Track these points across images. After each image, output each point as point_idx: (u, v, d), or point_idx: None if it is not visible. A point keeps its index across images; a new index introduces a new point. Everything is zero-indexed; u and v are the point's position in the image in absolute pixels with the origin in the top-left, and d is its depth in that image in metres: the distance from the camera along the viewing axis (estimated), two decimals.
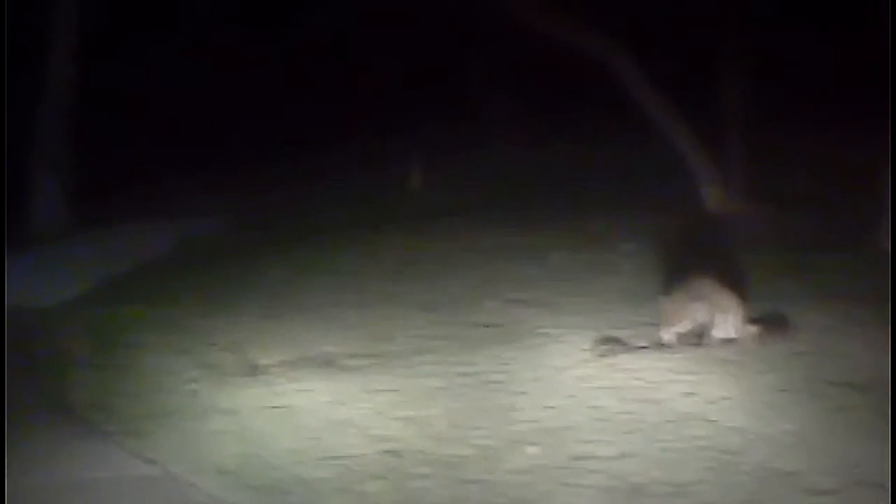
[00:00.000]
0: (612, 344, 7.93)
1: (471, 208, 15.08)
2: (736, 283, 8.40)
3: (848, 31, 17.97)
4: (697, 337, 7.83)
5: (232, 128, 23.33)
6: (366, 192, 17.73)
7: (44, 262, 13.17)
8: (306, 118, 23.62)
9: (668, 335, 7.81)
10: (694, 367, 7.42)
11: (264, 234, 14.24)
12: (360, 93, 25.32)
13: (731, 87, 14.19)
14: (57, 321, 9.91)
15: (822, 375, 7.15)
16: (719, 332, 7.88)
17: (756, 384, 7.05)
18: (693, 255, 10.56)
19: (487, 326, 8.89)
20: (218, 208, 16.69)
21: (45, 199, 15.43)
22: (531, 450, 6.18)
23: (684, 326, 7.82)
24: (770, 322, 8.15)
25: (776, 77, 18.13)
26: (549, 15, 14.63)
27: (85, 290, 11.29)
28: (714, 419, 6.49)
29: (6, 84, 14.16)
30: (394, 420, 6.75)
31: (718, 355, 7.64)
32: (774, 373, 7.26)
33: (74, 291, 11.21)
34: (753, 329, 7.95)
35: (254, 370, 7.98)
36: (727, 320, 7.89)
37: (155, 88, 22.88)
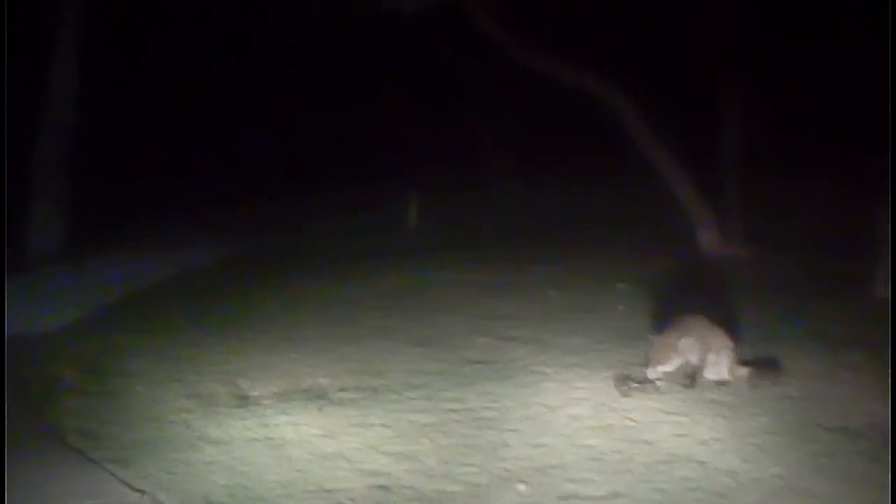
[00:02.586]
0: (628, 383, 7.89)
1: (466, 246, 15.14)
2: (728, 325, 8.40)
3: (850, 77, 18.08)
4: (689, 378, 7.83)
5: (232, 164, 23.47)
6: (362, 229, 17.79)
7: (38, 289, 13.15)
8: (308, 158, 23.80)
9: (654, 374, 7.79)
10: (685, 408, 7.42)
11: (259, 268, 14.27)
12: (362, 134, 25.52)
13: (727, 131, 14.27)
14: (50, 348, 9.89)
15: (814, 420, 7.15)
16: (711, 374, 7.87)
17: (747, 427, 7.05)
18: (686, 297, 10.59)
19: (480, 363, 8.88)
20: (215, 242, 16.72)
21: (43, 225, 15.42)
22: (521, 487, 6.17)
23: (672, 365, 7.81)
24: (762, 365, 8.15)
25: (774, 121, 18.25)
26: (547, 57, 14.76)
27: (79, 318, 11.29)
28: (705, 461, 6.48)
29: (6, 106, 14.18)
30: (384, 455, 6.74)
31: (710, 397, 7.64)
32: (766, 416, 7.26)
33: (68, 318, 11.21)
34: (745, 371, 7.96)
35: (245, 401, 7.97)
36: (719, 362, 7.88)
37: (157, 121, 23.03)
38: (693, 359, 7.80)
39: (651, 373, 7.79)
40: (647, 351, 7.90)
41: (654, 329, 8.40)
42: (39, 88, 15.75)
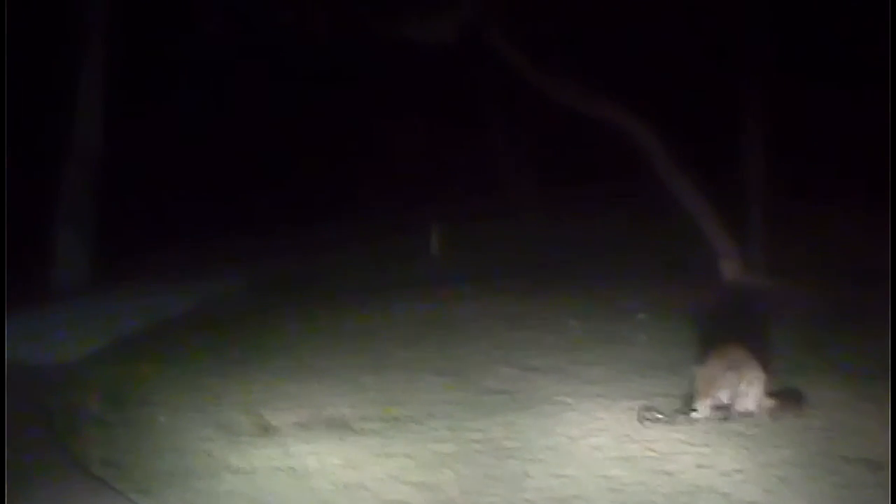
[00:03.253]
0: (652, 411, 7.89)
1: (488, 275, 15.13)
2: (755, 355, 8.37)
3: (872, 106, 18.01)
4: (726, 409, 7.80)
5: (256, 192, 23.52)
6: (384, 257, 17.81)
7: (63, 318, 13.21)
8: (330, 185, 23.87)
9: (704, 408, 7.75)
10: (708, 439, 7.40)
11: (283, 297, 14.29)
12: (384, 162, 25.56)
13: (750, 161, 14.27)
14: (74, 377, 9.93)
15: (836, 451, 7.12)
16: (740, 405, 7.85)
17: (770, 458, 7.03)
18: (709, 328, 10.56)
19: (501, 393, 8.88)
20: (238, 270, 16.78)
21: (68, 255, 15.51)
22: None
23: (720, 398, 7.79)
24: (785, 396, 8.13)
25: (796, 152, 18.21)
26: (571, 86, 14.81)
27: (102, 347, 11.32)
28: (727, 492, 6.47)
29: (6, 122, 14.28)
30: (406, 485, 6.74)
31: (732, 428, 7.62)
32: (788, 447, 7.24)
33: (92, 348, 11.25)
34: (770, 402, 7.93)
35: (267, 431, 7.98)
36: (750, 393, 7.86)
37: (181, 150, 23.11)
38: (731, 392, 7.78)
39: (701, 407, 7.75)
40: (694, 384, 7.87)
41: (697, 360, 8.32)
42: (64, 116, 15.85)
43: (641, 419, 7.80)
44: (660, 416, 7.84)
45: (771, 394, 8.01)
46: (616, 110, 14.56)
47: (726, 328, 10.50)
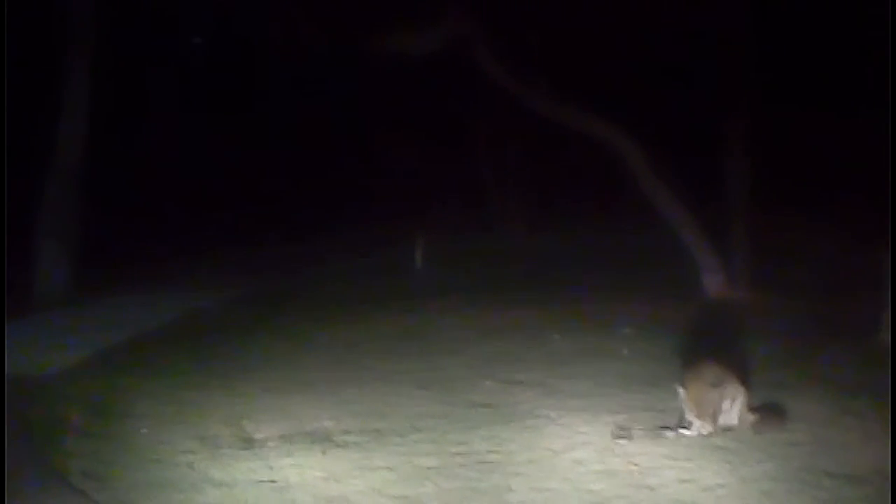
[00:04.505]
0: (627, 429, 7.89)
1: (471, 288, 15.16)
2: (735, 370, 8.38)
3: (854, 121, 18.11)
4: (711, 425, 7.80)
5: (239, 206, 23.53)
6: (368, 271, 17.81)
7: (45, 330, 13.16)
8: (313, 200, 23.89)
9: (709, 428, 7.74)
10: (690, 453, 7.39)
11: (265, 310, 14.29)
12: (368, 177, 25.60)
13: (733, 176, 14.32)
14: (55, 389, 9.87)
15: (819, 466, 7.11)
16: (722, 420, 7.85)
17: (752, 473, 7.01)
18: (692, 342, 10.58)
19: (484, 406, 8.87)
20: (220, 283, 16.76)
21: (50, 266, 15.44)
22: None
23: (706, 414, 7.78)
24: (768, 411, 8.13)
25: (780, 167, 18.28)
26: (554, 102, 14.85)
27: (84, 359, 11.27)
28: None
29: (6, 143, 14.25)
30: (387, 498, 6.71)
31: (715, 443, 7.61)
32: (771, 462, 7.23)
33: (74, 360, 11.19)
34: (752, 417, 7.93)
35: (249, 444, 7.95)
36: (732, 408, 7.86)
37: (166, 164, 23.14)
38: (714, 408, 7.77)
39: (705, 428, 7.75)
40: (679, 401, 7.86)
41: (679, 376, 8.29)
42: (48, 127, 15.80)
43: (615, 436, 7.79)
44: (634, 432, 7.83)
45: (753, 408, 8.01)
46: (599, 124, 14.61)
47: (709, 342, 10.53)
